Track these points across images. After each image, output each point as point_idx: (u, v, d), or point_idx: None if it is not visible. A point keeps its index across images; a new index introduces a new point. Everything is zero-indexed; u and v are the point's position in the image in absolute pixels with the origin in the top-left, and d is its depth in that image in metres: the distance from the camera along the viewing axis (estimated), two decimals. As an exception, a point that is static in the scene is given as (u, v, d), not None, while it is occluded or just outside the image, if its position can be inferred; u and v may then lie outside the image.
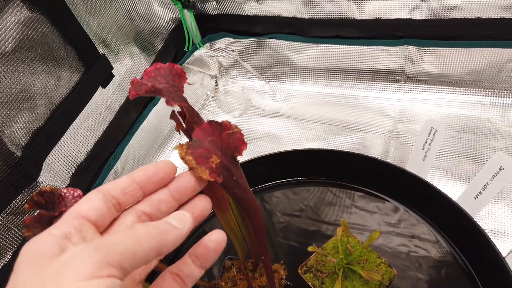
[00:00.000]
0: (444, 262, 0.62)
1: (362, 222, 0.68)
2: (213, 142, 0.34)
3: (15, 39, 0.59)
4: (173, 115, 0.42)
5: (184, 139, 0.93)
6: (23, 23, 0.60)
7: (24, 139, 0.61)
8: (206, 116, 1.01)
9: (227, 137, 0.34)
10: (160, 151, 0.92)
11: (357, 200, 0.72)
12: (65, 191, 0.41)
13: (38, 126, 0.63)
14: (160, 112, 0.91)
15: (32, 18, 0.61)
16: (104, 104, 0.76)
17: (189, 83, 0.39)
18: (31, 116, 0.62)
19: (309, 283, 0.56)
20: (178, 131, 0.41)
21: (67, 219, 0.26)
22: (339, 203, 0.73)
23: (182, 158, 0.32)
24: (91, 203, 0.27)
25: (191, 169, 0.32)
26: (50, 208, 0.40)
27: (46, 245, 0.23)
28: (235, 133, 0.35)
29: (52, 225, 0.37)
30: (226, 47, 1.02)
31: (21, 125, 0.60)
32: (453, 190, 0.68)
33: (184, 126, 0.42)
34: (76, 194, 0.42)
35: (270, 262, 0.48)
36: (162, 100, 0.92)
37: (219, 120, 0.34)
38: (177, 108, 0.41)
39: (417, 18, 0.81)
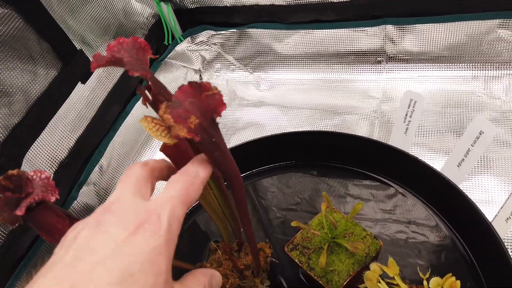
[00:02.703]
0: (430, 230, 0.61)
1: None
2: (193, 104, 0.33)
3: (-13, 35, 0.59)
4: (139, 89, 0.41)
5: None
6: (-5, 19, 0.60)
7: (1, 135, 0.60)
8: (191, 110, 1.00)
9: (206, 99, 0.34)
10: (145, 146, 0.91)
11: (350, 189, 0.72)
12: (32, 173, 0.41)
13: (16, 122, 0.63)
14: (144, 107, 0.90)
15: (4, 14, 0.61)
16: (84, 99, 0.76)
17: (153, 56, 0.39)
18: (8, 111, 0.61)
19: (296, 260, 0.55)
20: (144, 104, 0.41)
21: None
22: (334, 193, 0.72)
23: (161, 116, 0.31)
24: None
25: (169, 127, 0.31)
26: (18, 191, 0.40)
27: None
28: (215, 94, 0.34)
29: (18, 207, 0.37)
30: (208, 40, 1.02)
31: (-3, 120, 0.60)
32: (439, 164, 0.67)
33: (151, 98, 0.41)
34: (43, 176, 0.42)
35: (253, 233, 0.47)
36: (145, 95, 0.91)
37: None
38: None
39: (393, -4, 0.81)
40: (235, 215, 0.52)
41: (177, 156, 0.44)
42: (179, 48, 1.01)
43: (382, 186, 0.69)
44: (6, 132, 0.61)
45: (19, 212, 0.36)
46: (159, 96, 0.40)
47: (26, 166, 0.64)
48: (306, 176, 0.75)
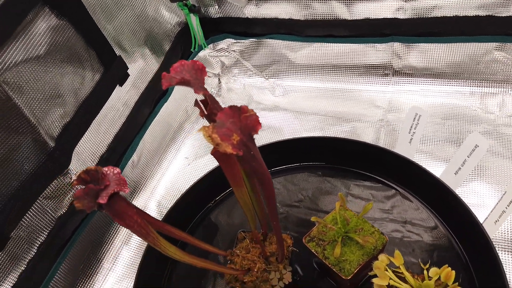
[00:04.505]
0: (428, 229, 0.70)
1: (358, 209, 0.75)
2: (234, 123, 0.41)
3: (47, 43, 0.66)
4: (196, 103, 0.50)
5: (191, 131, 1.02)
6: (52, 29, 0.67)
7: (56, 132, 0.68)
8: (210, 111, 1.08)
9: (245, 119, 0.41)
10: (171, 144, 1.00)
11: (352, 189, 0.80)
12: (106, 169, 0.49)
13: (67, 120, 0.71)
14: (170, 108, 0.99)
15: (59, 25, 0.69)
16: (121, 100, 0.84)
17: (209, 76, 0.48)
18: (61, 111, 0.69)
19: (313, 250, 0.64)
20: (202, 116, 0.50)
21: None
22: (336, 192, 0.80)
23: (209, 136, 0.39)
24: None
25: (216, 145, 0.39)
26: (94, 183, 0.48)
27: None
28: (252, 115, 0.42)
29: (98, 197, 0.45)
30: (228, 48, 1.11)
31: (53, 119, 0.68)
32: (437, 170, 0.76)
33: (206, 112, 0.50)
34: (115, 171, 0.50)
35: (280, 227, 0.56)
36: (172, 97, 1.00)
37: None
38: (199, 97, 0.49)
39: (402, 17, 0.90)
40: (263, 210, 0.61)
41: (224, 158, 0.53)
42: (202, 54, 1.09)
43: (382, 187, 0.78)
44: (59, 129, 0.69)
45: (102, 200, 0.44)
46: (213, 110, 0.49)
47: (75, 159, 0.72)
48: (312, 176, 0.84)
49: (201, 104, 0.50)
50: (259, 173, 0.49)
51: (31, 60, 0.63)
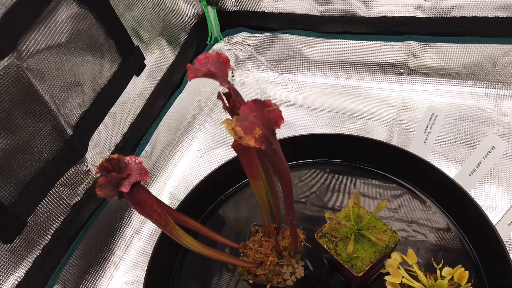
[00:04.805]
0: (440, 229, 0.71)
1: (364, 207, 0.76)
2: (257, 117, 0.41)
3: (68, 32, 0.67)
4: (219, 96, 0.50)
5: (204, 124, 1.02)
6: (74, 17, 0.68)
7: (74, 120, 0.69)
8: (223, 105, 1.09)
9: (268, 113, 0.41)
10: (184, 136, 1.00)
11: (360, 187, 0.80)
12: (128, 158, 0.49)
13: (85, 109, 0.71)
14: (184, 100, 0.99)
15: (80, 13, 0.69)
16: (137, 91, 0.85)
17: (233, 69, 0.48)
18: (80, 99, 0.70)
19: (325, 246, 0.64)
20: (224, 108, 0.50)
21: None
22: (343, 189, 0.80)
23: (232, 129, 0.39)
24: None
25: (239, 138, 0.39)
26: (116, 172, 0.48)
27: None
28: (275, 109, 0.42)
29: (120, 186, 0.45)
30: (243, 41, 1.11)
31: (72, 106, 0.68)
32: (450, 171, 0.76)
33: (228, 105, 0.50)
34: (137, 161, 0.50)
35: (295, 222, 0.56)
36: (186, 89, 1.00)
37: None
38: (222, 90, 0.49)
39: (420, 16, 0.89)
40: (277, 204, 0.62)
41: (244, 152, 0.53)
42: (217, 46, 1.09)
43: (391, 186, 0.78)
44: (77, 117, 0.70)
45: (124, 189, 0.44)
46: (236, 103, 0.49)
47: (91, 148, 0.72)
48: (320, 172, 0.84)
49: (224, 97, 0.50)
50: (279, 168, 0.49)
51: (53, 48, 0.63)
